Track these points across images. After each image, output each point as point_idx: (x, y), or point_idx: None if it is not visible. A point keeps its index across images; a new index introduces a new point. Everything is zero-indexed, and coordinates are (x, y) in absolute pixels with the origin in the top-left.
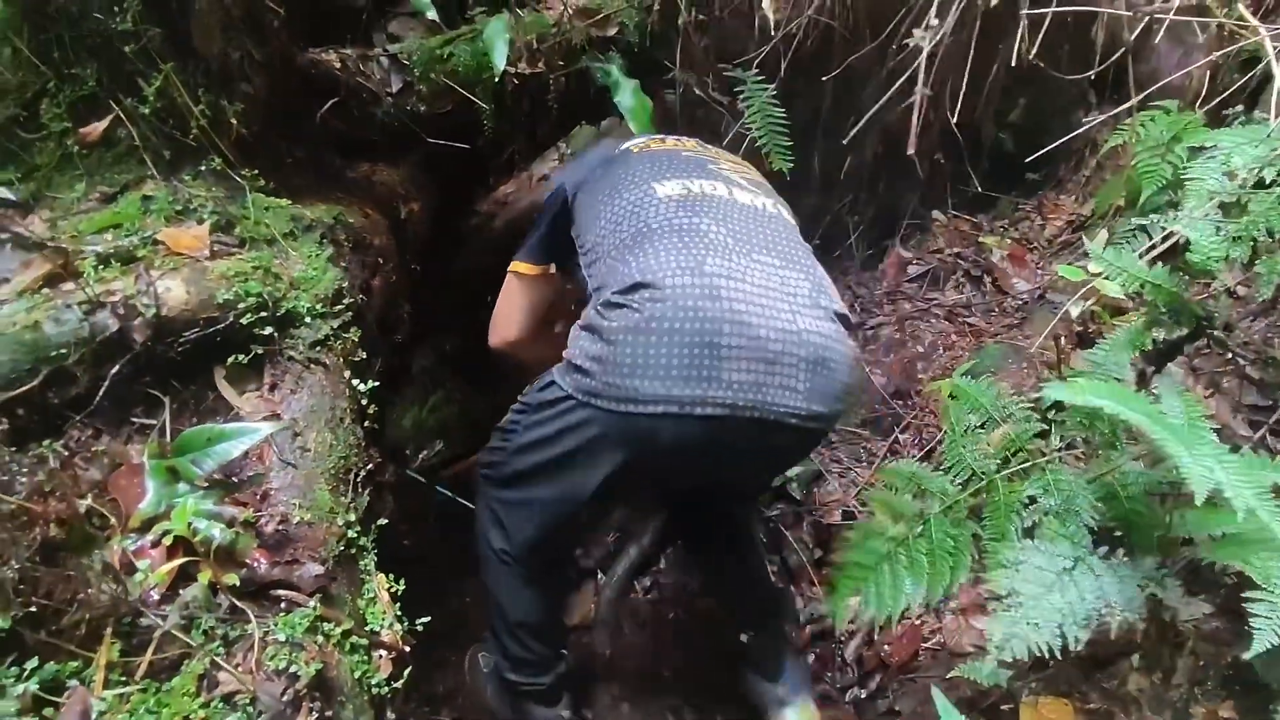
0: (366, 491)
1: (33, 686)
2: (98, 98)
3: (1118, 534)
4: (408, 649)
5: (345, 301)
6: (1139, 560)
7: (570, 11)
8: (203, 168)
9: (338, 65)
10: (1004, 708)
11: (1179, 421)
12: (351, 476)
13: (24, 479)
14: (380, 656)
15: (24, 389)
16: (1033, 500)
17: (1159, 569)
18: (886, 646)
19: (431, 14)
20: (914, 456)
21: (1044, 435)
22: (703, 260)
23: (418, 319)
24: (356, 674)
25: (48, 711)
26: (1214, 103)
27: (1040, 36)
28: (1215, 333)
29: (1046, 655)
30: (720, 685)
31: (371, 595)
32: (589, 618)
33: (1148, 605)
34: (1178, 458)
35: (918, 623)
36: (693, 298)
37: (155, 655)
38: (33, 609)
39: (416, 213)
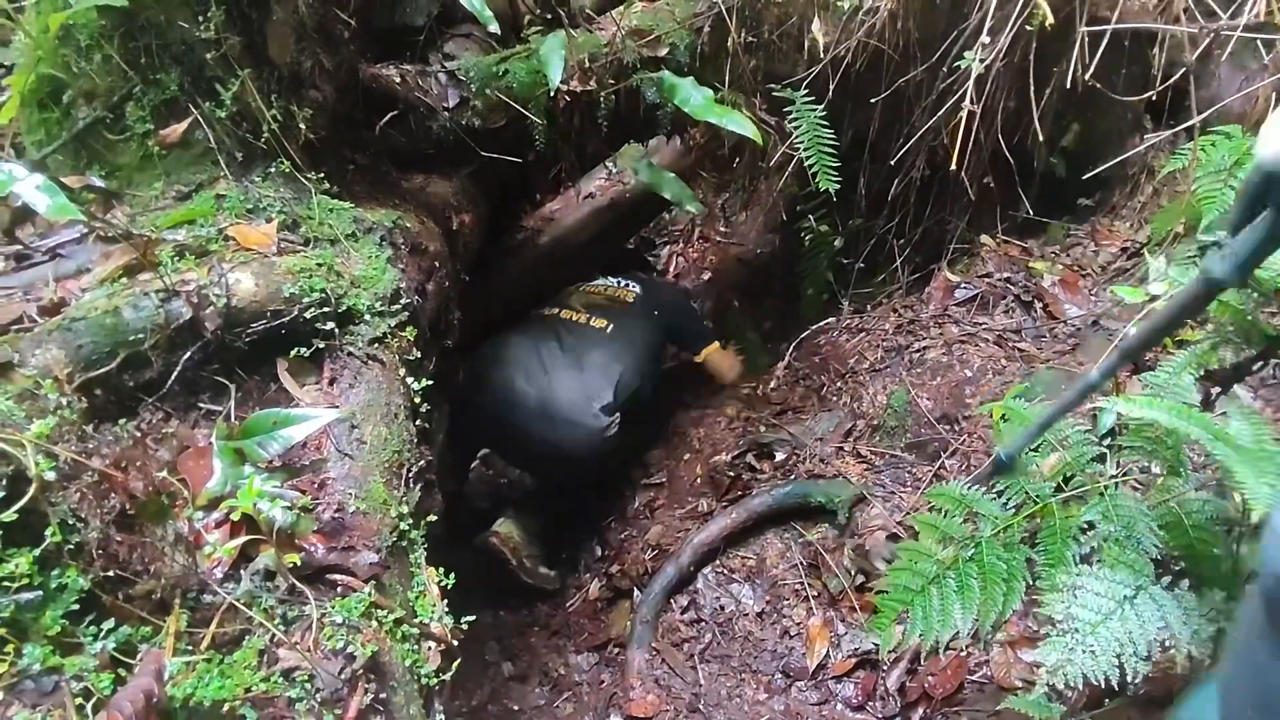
0: (418, 487)
1: (110, 645)
2: (178, 102)
3: (1181, 565)
4: (455, 643)
5: (402, 301)
6: (1205, 593)
7: (622, 31)
8: (272, 169)
9: (398, 80)
10: None
11: (1246, 443)
12: (404, 471)
13: (104, 451)
14: (429, 648)
15: (103, 370)
16: (1090, 526)
17: (1227, 603)
18: (930, 677)
19: (493, 26)
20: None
21: (1101, 460)
22: None
23: (466, 329)
24: (407, 662)
25: (120, 671)
26: None
27: (1096, 59)
28: None
29: (1102, 685)
30: (756, 702)
31: (421, 588)
32: (624, 635)
33: (1213, 641)
34: (1239, 474)
35: (964, 654)
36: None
37: (218, 629)
38: (109, 573)
39: (467, 224)
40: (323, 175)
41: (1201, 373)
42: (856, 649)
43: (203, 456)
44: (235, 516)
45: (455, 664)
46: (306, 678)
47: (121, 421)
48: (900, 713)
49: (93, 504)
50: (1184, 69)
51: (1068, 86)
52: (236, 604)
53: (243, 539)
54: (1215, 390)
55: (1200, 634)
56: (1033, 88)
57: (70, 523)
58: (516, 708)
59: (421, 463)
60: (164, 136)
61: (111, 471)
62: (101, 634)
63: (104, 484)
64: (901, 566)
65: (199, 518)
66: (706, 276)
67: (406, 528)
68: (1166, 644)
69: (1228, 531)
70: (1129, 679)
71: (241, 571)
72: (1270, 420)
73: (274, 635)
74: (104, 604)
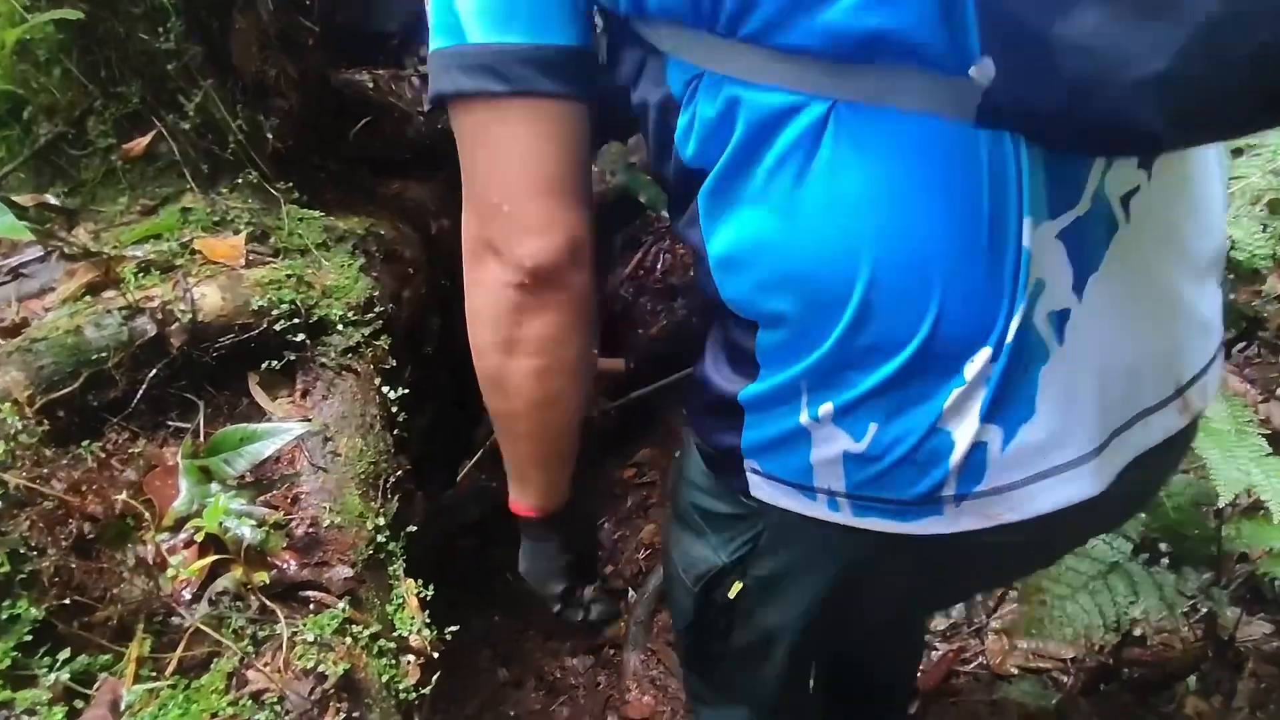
0: (396, 498)
1: (65, 676)
2: (141, 115)
3: (1162, 545)
4: (436, 656)
5: (376, 310)
6: (1185, 573)
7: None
8: (239, 181)
9: (370, 86)
10: None
11: (1224, 426)
12: (381, 482)
13: (62, 474)
14: (408, 662)
15: (65, 391)
16: None
17: (1214, 585)
18: (919, 670)
19: None
20: None
21: None
22: None
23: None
24: (384, 678)
25: (78, 703)
26: None
27: None
28: (1267, 335)
29: (1069, 659)
30: None
31: (400, 601)
32: (619, 636)
33: (1204, 624)
34: (1209, 458)
35: (956, 646)
36: None
37: (185, 652)
38: (66, 601)
39: (448, 229)
40: (292, 185)
41: None
42: None
43: (170, 476)
44: (198, 537)
45: (435, 677)
46: (276, 699)
47: (85, 443)
48: None
49: (45, 531)
50: None
51: None
52: (202, 626)
53: (210, 559)
54: None
55: (1175, 610)
56: None
57: (22, 552)
58: (513, 713)
59: (399, 473)
60: (127, 150)
61: (67, 496)
62: (56, 665)
63: (60, 509)
64: None
65: (165, 539)
66: (693, 274)
67: (384, 540)
68: (1137, 618)
69: (1216, 514)
70: (1097, 649)
71: (208, 590)
72: (1255, 401)
73: (242, 657)
74: (59, 633)
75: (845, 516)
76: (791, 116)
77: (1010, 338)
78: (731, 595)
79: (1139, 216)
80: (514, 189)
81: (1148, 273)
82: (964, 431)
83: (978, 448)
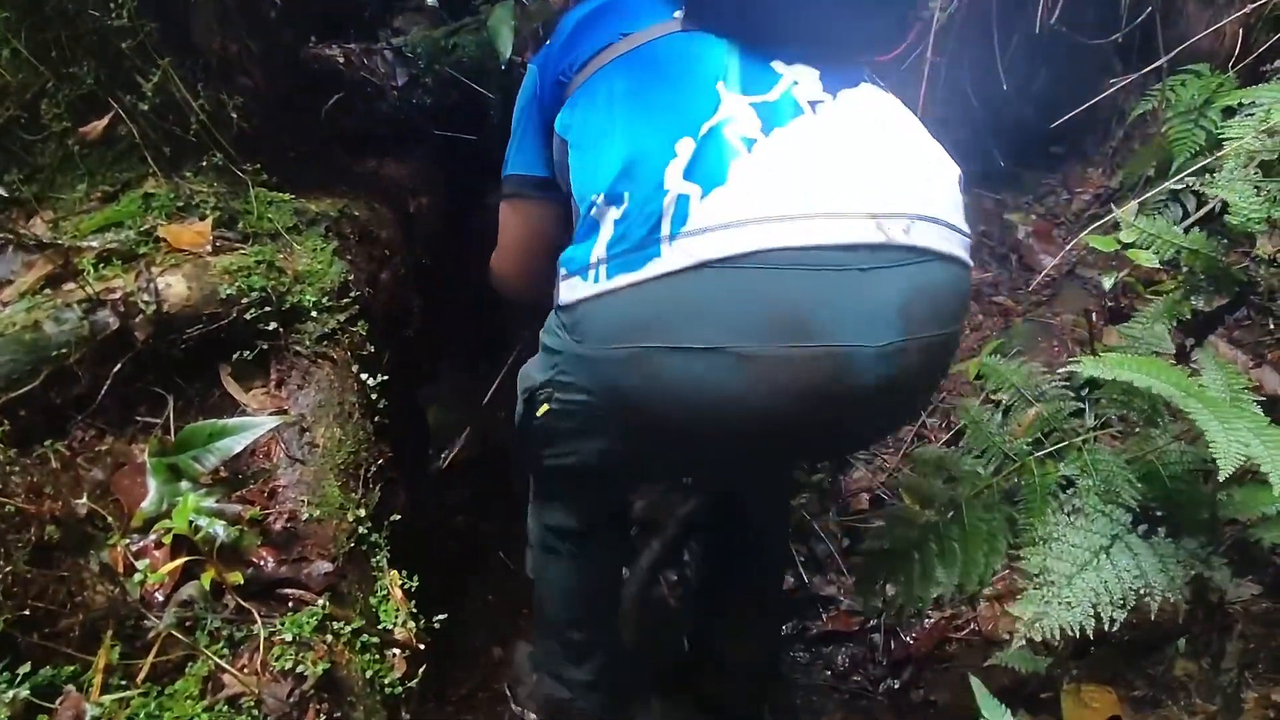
0: (378, 487)
1: (24, 692)
2: (96, 96)
3: (1160, 514)
4: (422, 647)
5: (352, 295)
6: (1182, 540)
7: None
8: (204, 163)
9: (341, 61)
10: (1043, 696)
11: (1220, 395)
12: (362, 472)
13: (18, 479)
14: (393, 655)
15: (24, 390)
16: (1069, 483)
17: (1204, 549)
18: (912, 637)
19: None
20: (941, 441)
21: (1079, 414)
22: None
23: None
24: (368, 673)
25: (41, 718)
26: (1247, 61)
27: (1061, 2)
28: (1257, 300)
29: (1077, 635)
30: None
31: (384, 593)
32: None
33: (1193, 587)
34: (1208, 430)
35: (948, 614)
36: None
37: (158, 658)
38: (26, 612)
39: (426, 206)
40: (260, 166)
41: (1176, 323)
42: (844, 614)
43: (139, 474)
44: (167, 539)
45: (422, 669)
46: (253, 703)
47: (49, 442)
48: (888, 674)
49: (2, 538)
50: (1150, 8)
51: (1035, 32)
52: (173, 631)
53: (181, 560)
54: (1189, 341)
55: (1175, 581)
56: (1000, 37)
57: None
58: (508, 692)
59: (381, 461)
60: (84, 134)
61: (26, 506)
62: (16, 680)
63: (17, 516)
64: (884, 533)
65: (134, 541)
66: None
67: (365, 531)
68: (1141, 592)
69: (1205, 479)
70: (1106, 627)
71: (177, 593)
72: (1246, 367)
73: (218, 660)
74: (19, 646)
75: (600, 283)
76: (590, 79)
77: (702, 133)
78: (539, 414)
79: (824, 115)
80: (505, 250)
81: (830, 140)
82: (673, 185)
83: (682, 198)
